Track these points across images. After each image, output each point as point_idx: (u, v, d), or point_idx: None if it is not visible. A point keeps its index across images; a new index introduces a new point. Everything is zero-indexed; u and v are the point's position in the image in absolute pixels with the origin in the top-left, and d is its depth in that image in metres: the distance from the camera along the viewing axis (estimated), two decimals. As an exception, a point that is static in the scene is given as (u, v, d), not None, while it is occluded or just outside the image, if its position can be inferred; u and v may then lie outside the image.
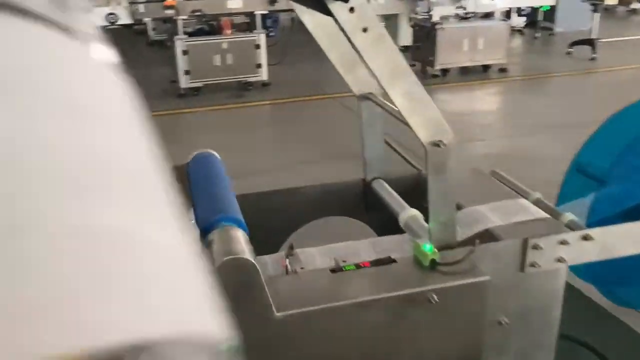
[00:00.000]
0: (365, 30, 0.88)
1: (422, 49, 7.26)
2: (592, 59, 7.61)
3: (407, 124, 0.96)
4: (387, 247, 1.14)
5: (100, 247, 0.18)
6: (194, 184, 1.14)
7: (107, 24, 7.57)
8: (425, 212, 1.32)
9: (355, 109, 5.20)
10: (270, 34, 7.52)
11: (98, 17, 6.32)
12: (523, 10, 9.27)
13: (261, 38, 6.27)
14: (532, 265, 1.08)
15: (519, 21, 9.32)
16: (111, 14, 6.28)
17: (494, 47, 7.10)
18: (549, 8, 8.78)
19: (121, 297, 0.17)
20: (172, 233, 0.21)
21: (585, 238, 1.08)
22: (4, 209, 0.16)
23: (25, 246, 0.16)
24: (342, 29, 0.87)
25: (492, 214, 1.17)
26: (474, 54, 7.12)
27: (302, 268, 1.03)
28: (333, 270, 1.02)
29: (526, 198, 1.25)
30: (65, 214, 0.18)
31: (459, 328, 1.00)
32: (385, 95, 1.32)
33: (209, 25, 6.37)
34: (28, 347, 0.15)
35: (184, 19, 6.03)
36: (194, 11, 6.04)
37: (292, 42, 7.15)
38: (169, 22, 6.41)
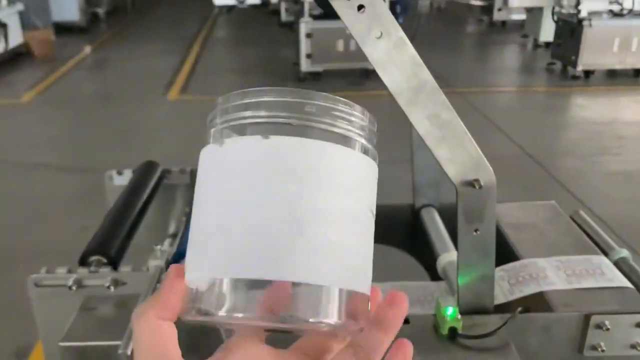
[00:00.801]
0: (379, 34, 0.69)
1: (564, 46, 6.65)
2: None
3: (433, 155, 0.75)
4: (415, 296, 0.94)
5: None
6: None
7: (237, 3, 7.71)
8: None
9: (478, 105, 4.88)
10: (398, 20, 7.25)
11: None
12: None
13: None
14: (594, 348, 0.83)
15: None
16: (240, -7, 6.38)
17: (649, 49, 6.32)
18: None
19: None
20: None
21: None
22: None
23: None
24: (352, 34, 0.68)
25: (554, 273, 0.92)
26: (624, 56, 6.39)
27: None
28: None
29: (607, 255, 0.99)
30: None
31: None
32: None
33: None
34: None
35: (310, 1, 5.95)
36: (320, -6, 5.96)
37: (424, 31, 6.85)
38: (299, 4, 6.38)
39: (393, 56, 0.70)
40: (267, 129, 0.35)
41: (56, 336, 0.77)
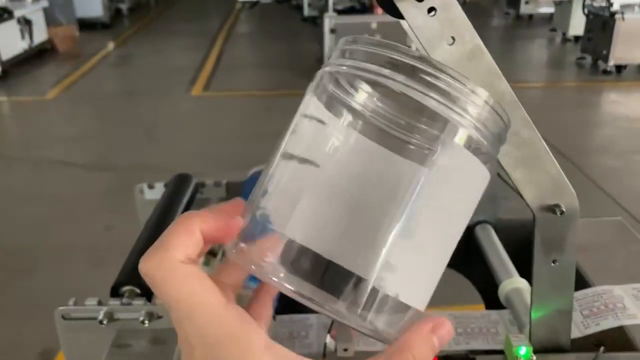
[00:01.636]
0: (451, 41, 0.60)
1: (594, 40, 6.46)
2: None
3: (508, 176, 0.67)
4: (476, 326, 0.85)
5: None
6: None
7: (260, -2, 7.63)
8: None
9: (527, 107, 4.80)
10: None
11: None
12: None
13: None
14: (685, 392, 0.74)
15: None
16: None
17: (685, 44, 6.10)
18: None
19: None
20: None
21: None
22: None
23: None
24: (418, 39, 0.60)
25: (632, 303, 0.83)
26: (658, 50, 6.18)
27: (345, 349, 0.78)
28: None
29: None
30: None
31: None
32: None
33: (360, 4, 6.15)
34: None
35: (335, -6, 5.86)
36: (346, -12, 5.86)
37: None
38: (323, -1, 6.29)
39: (467, 65, 0.61)
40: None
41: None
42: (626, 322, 0.80)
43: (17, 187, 3.93)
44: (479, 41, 0.61)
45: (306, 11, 8.14)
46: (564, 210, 0.67)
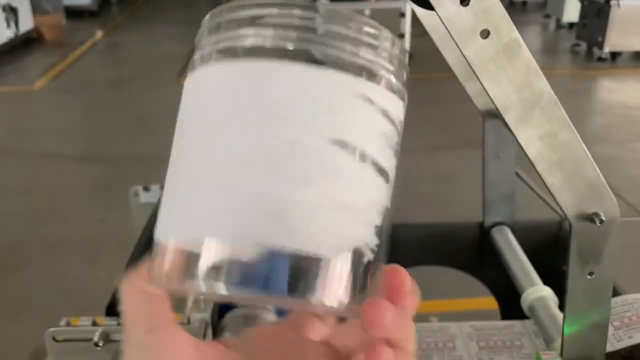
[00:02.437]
0: (485, 34, 0.54)
1: (589, 26, 6.41)
2: None
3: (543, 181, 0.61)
4: (499, 339, 0.79)
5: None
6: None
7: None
8: (561, 279, 0.94)
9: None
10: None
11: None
12: None
13: (407, 6, 5.83)
14: None
15: None
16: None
17: (682, 30, 6.06)
18: None
19: None
20: None
21: None
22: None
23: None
24: (449, 32, 0.53)
25: (665, 311, 0.77)
26: (653, 37, 6.14)
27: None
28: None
29: None
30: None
31: None
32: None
33: (354, -10, 6.05)
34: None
35: (327, -18, 5.76)
36: (338, -26, 5.76)
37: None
38: (315, -15, 6.19)
39: (503, 61, 0.55)
40: (266, 52, 0.27)
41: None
42: (661, 333, 0.75)
43: (5, 180, 3.84)
44: (516, 34, 0.55)
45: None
46: (603, 219, 0.61)
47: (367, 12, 5.70)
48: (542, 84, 0.57)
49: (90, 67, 6.67)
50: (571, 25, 7.38)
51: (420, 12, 0.78)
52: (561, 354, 0.69)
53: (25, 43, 7.09)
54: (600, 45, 6.18)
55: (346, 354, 0.33)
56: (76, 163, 4.06)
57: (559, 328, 0.76)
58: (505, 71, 0.55)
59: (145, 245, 0.84)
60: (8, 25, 6.66)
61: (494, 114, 0.93)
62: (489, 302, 1.15)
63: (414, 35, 5.98)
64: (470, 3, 0.53)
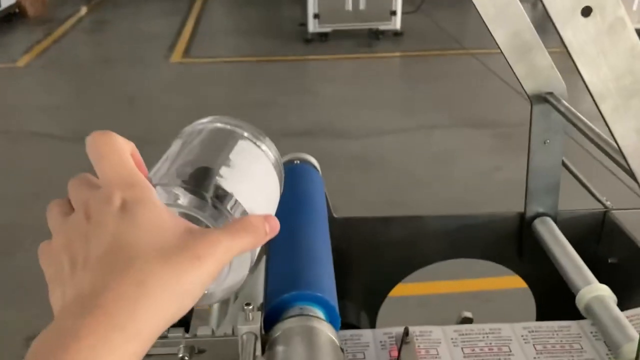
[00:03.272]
0: (587, 12, 0.47)
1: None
2: None
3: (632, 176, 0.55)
4: (556, 341, 0.74)
5: None
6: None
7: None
8: (611, 275, 0.89)
9: (495, 69, 4.62)
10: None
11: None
12: None
13: (397, -17, 5.74)
14: None
15: None
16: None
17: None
18: None
19: None
20: None
21: None
22: None
23: None
24: (547, 11, 0.46)
25: None
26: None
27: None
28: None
29: None
30: None
31: None
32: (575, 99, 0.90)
33: (345, -33, 5.92)
34: None
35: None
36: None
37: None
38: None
39: (605, 43, 0.48)
40: None
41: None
42: None
43: (-9, 161, 3.72)
44: (622, 13, 0.48)
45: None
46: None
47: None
48: (646, 69, 0.50)
49: (75, 44, 6.49)
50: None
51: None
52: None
53: (6, 18, 6.87)
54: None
55: None
56: (64, 143, 3.94)
57: (624, 331, 0.71)
58: (605, 55, 0.49)
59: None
60: (-12, 0, 6.44)
61: (543, 99, 0.86)
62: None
63: (404, 12, 5.89)
64: (574, -24, 0.46)
